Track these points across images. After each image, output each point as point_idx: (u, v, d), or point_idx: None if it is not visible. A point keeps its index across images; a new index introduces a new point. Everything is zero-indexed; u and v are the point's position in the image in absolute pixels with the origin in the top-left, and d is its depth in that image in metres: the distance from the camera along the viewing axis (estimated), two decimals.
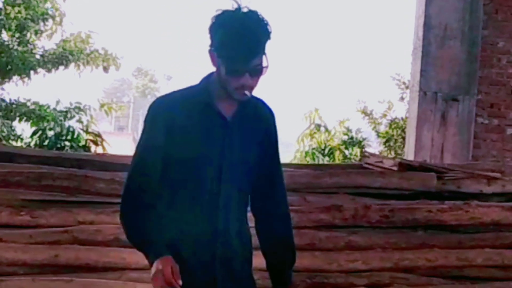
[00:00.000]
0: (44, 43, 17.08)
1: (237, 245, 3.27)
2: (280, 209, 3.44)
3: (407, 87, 14.53)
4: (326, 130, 17.33)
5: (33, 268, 5.32)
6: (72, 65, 16.78)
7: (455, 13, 9.97)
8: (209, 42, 3.15)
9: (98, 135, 14.80)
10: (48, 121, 15.07)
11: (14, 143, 14.88)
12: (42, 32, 16.84)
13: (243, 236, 3.31)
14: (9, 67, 16.17)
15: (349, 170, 6.45)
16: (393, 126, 15.31)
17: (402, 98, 15.21)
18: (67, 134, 14.31)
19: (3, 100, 16.30)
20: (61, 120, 14.79)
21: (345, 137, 16.92)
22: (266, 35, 3.10)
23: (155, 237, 3.12)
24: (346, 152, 16.38)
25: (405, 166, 6.15)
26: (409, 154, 10.32)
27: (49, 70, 16.78)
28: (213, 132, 3.18)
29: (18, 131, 16.10)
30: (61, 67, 16.81)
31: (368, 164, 6.64)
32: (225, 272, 3.23)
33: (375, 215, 5.61)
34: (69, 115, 15.24)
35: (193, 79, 3.36)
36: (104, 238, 5.35)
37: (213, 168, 3.18)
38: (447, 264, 5.60)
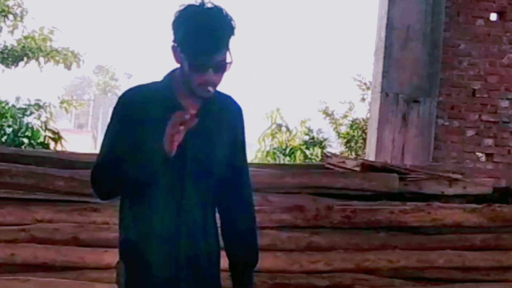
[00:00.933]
0: (6, 38, 16.93)
1: (202, 245, 3.20)
2: (245, 209, 3.39)
3: (368, 88, 14.60)
4: (288, 130, 17.33)
5: None
6: (32, 61, 16.63)
7: (417, 15, 9.99)
8: (172, 37, 3.09)
9: (57, 132, 14.67)
10: (6, 118, 14.88)
11: None
12: (1, 28, 16.65)
13: (209, 236, 3.24)
14: None
15: (312, 170, 6.44)
16: (354, 127, 15.36)
17: (363, 99, 15.28)
18: (25, 131, 14.16)
19: None
20: (19, 117, 14.62)
21: (306, 137, 16.92)
22: (230, 30, 3.04)
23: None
24: (307, 152, 16.38)
25: (367, 167, 6.15)
26: (370, 155, 10.33)
27: (8, 66, 16.60)
28: None
29: None
30: (21, 63, 16.65)
31: (330, 164, 6.62)
32: (189, 272, 3.17)
33: (337, 216, 5.59)
34: (28, 112, 15.06)
35: (154, 77, 3.30)
36: (62, 237, 5.27)
37: (175, 165, 3.10)
38: (409, 265, 5.59)
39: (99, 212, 5.39)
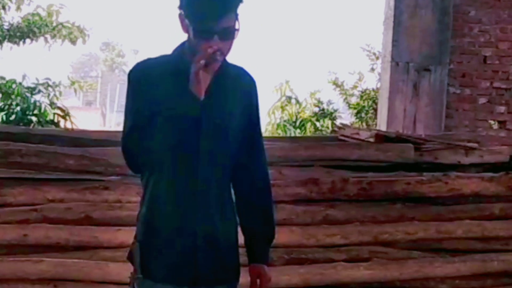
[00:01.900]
0: (14, 15, 16.86)
1: (218, 223, 3.12)
2: (261, 181, 3.30)
3: (377, 58, 14.50)
4: (297, 102, 17.27)
5: (1, 249, 5.14)
6: (40, 38, 16.57)
7: None
8: (178, 4, 2.99)
9: (65, 110, 14.65)
10: (15, 96, 14.83)
11: None
12: (5, 5, 16.56)
13: (226, 212, 3.15)
14: None
15: (325, 143, 6.32)
16: (364, 97, 15.28)
17: (372, 69, 15.20)
18: (33, 109, 14.12)
19: None
20: (27, 96, 14.56)
21: (316, 109, 16.87)
22: None
23: None
24: (318, 124, 16.32)
25: (382, 138, 6.05)
26: (381, 125, 10.26)
27: (17, 43, 16.55)
28: (190, 101, 3.01)
29: None
30: (28, 41, 16.58)
31: (344, 136, 6.52)
32: (206, 247, 3.08)
33: (353, 188, 5.49)
34: (36, 90, 15.00)
35: (160, 53, 3.20)
36: (74, 216, 5.19)
37: (189, 139, 3.02)
38: (427, 237, 5.50)
39: (111, 190, 5.32)
